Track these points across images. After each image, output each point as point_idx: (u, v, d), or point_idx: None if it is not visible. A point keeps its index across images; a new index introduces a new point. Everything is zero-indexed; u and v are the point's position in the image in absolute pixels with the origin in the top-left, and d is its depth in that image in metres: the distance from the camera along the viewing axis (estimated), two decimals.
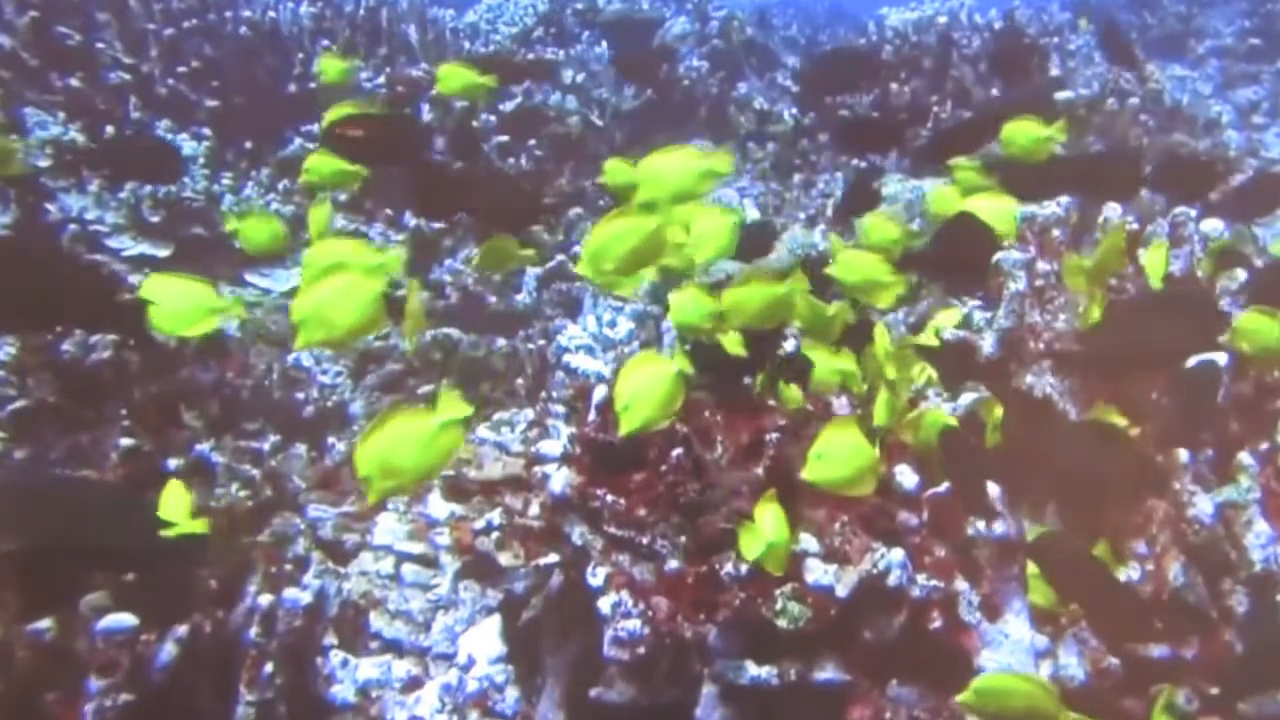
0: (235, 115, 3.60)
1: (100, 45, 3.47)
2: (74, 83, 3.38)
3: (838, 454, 1.47)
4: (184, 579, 1.68)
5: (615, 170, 1.87)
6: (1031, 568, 1.59)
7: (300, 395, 3.02)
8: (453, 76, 2.24)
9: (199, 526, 1.40)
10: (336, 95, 2.47)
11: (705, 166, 1.59)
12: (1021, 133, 2.04)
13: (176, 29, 3.56)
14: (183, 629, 1.57)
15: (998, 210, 1.78)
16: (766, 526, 1.43)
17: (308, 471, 2.69)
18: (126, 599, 1.52)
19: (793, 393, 1.73)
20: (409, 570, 2.16)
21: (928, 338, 1.86)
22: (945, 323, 1.89)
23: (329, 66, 2.53)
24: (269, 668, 1.65)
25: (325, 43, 3.81)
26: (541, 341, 3.25)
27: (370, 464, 1.22)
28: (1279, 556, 1.61)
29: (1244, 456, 1.62)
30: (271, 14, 3.73)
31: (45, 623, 1.43)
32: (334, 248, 1.55)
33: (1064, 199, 1.67)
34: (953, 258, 1.83)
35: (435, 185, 2.01)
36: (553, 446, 1.73)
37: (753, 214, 4.13)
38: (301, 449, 2.77)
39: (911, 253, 1.84)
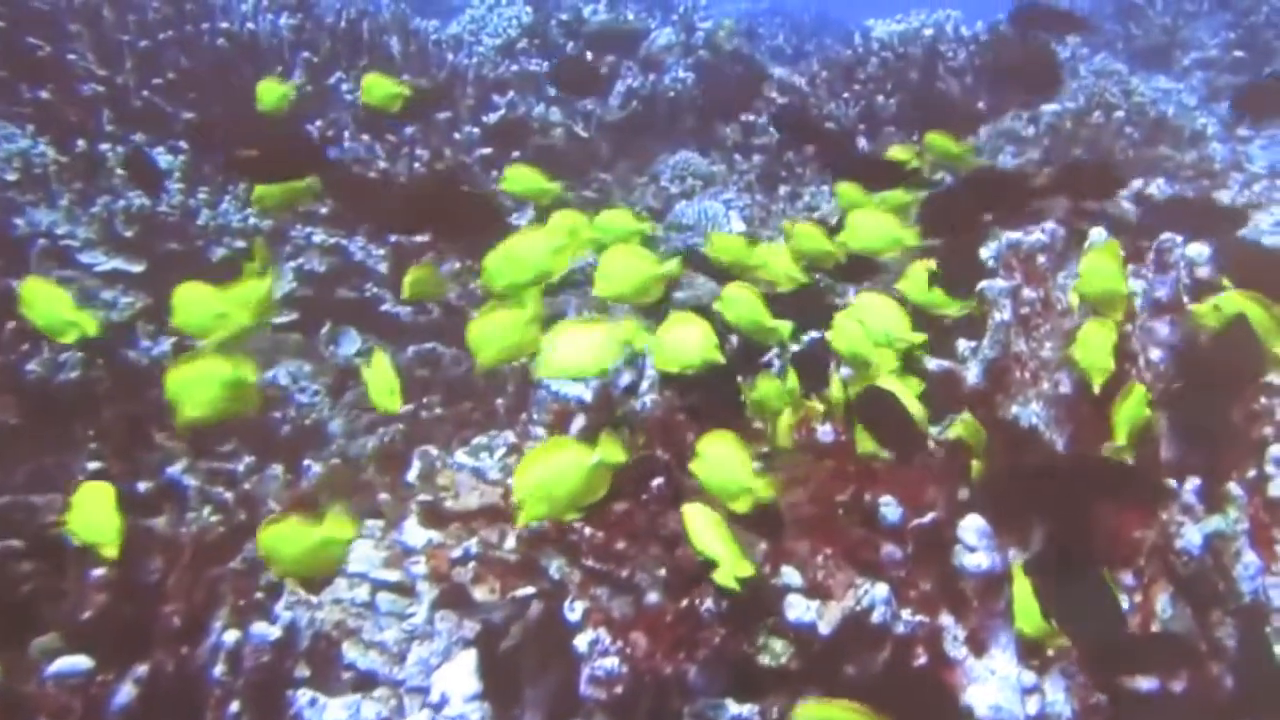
0: (212, 128, 3.54)
1: (72, 56, 3.40)
2: (44, 95, 3.32)
3: (713, 459, 1.42)
4: (145, 615, 1.63)
5: (514, 178, 1.88)
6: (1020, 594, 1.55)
7: (277, 414, 2.97)
8: (375, 86, 2.25)
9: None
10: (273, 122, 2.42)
11: (558, 245, 1.59)
12: (938, 141, 2.13)
13: (152, 41, 3.50)
14: (142, 668, 1.52)
15: (876, 225, 1.76)
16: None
17: (283, 494, 2.63)
18: (81, 639, 1.47)
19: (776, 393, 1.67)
20: (384, 599, 2.10)
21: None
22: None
23: (266, 92, 2.40)
24: (235, 707, 1.60)
25: (305, 54, 3.76)
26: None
27: (266, 547, 1.41)
28: (1267, 588, 1.59)
29: (1232, 486, 1.59)
30: (250, 26, 3.67)
31: None
32: (196, 292, 1.60)
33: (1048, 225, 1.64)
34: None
35: (386, 196, 2.01)
36: None
37: (738, 225, 4.10)
38: (278, 469, 2.72)
39: (849, 261, 1.80)
